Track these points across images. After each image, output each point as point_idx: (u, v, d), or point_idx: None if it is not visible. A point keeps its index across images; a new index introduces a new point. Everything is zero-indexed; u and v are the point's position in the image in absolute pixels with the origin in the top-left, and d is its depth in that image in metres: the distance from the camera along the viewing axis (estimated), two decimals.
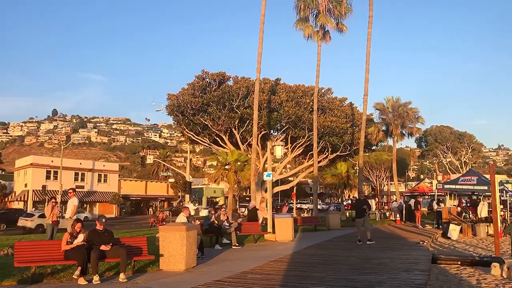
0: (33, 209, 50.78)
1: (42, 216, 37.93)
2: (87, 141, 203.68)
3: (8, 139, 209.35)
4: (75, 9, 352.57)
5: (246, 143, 39.75)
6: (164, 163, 73.19)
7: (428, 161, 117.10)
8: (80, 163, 66.38)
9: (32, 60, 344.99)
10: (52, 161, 60.80)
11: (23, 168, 60.19)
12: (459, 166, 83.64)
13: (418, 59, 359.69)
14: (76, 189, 54.14)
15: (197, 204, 33.52)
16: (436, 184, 34.01)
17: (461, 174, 34.92)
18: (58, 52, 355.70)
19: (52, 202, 14.42)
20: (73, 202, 14.30)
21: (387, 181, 61.55)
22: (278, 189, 46.00)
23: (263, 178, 27.11)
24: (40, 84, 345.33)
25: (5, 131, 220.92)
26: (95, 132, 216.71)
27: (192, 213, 24.08)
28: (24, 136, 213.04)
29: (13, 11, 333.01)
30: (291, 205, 41.29)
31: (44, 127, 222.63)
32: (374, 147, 50.27)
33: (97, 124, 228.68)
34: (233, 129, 38.82)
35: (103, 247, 8.96)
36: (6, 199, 60.35)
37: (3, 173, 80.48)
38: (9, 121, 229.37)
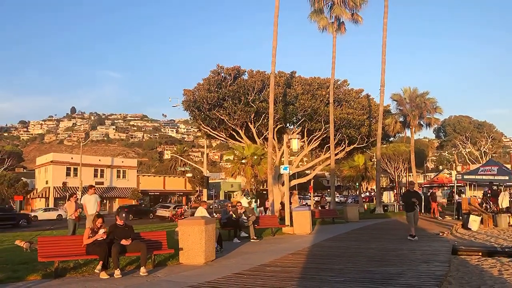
0: (61, 205, 52.26)
1: (177, 207, 44.30)
2: (105, 138, 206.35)
3: (28, 137, 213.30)
4: (92, 7, 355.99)
5: (262, 137, 39.73)
6: (182, 158, 73.72)
7: (447, 152, 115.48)
8: (99, 160, 67.31)
9: (51, 59, 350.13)
10: (71, 158, 61.74)
11: (44, 166, 61.26)
12: (478, 156, 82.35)
13: (436, 47, 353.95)
14: (96, 185, 55.27)
15: (249, 197, 34.35)
16: (456, 175, 33.54)
17: (481, 164, 34.35)
18: (76, 50, 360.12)
19: (74, 197, 14.65)
20: (96, 198, 14.48)
21: (406, 173, 61.03)
22: (295, 182, 45.88)
23: (280, 171, 27.16)
24: (58, 83, 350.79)
25: (26, 129, 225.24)
26: (113, 128, 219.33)
27: (246, 205, 24.50)
28: (44, 134, 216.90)
29: (34, 12, 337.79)
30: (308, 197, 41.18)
31: (63, 125, 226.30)
32: (391, 139, 49.72)
33: (115, 121, 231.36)
34: (249, 123, 38.81)
35: (123, 242, 9.10)
36: (28, 196, 61.55)
37: (24, 170, 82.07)
38: (29, 120, 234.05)
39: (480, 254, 12.36)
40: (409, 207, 14.82)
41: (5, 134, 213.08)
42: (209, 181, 45.57)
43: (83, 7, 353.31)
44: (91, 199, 14.35)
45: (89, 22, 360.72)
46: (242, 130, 39.68)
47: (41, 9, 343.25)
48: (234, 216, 15.43)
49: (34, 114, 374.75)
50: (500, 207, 24.25)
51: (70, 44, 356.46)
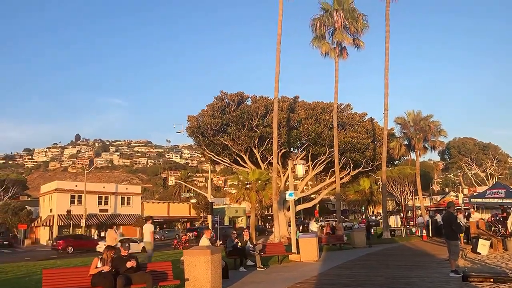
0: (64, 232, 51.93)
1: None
2: (109, 165, 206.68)
3: (33, 165, 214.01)
4: (96, 36, 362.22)
5: (267, 162, 39.71)
6: (186, 184, 73.43)
7: (452, 174, 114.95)
8: (104, 187, 67.21)
9: (56, 87, 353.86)
10: (76, 186, 61.67)
11: (48, 194, 61.17)
12: (484, 178, 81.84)
13: (439, 70, 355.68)
14: (100, 213, 54.74)
15: (319, 222, 34.87)
16: (463, 198, 33.25)
17: (488, 187, 34.09)
18: (81, 79, 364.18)
19: (114, 228, 16.15)
20: (149, 228, 16.17)
21: (412, 196, 60.56)
22: (300, 207, 45.64)
23: (285, 197, 26.99)
24: (63, 110, 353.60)
25: (30, 157, 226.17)
26: (117, 155, 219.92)
27: (315, 230, 24.86)
28: (49, 161, 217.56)
29: (37, 39, 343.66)
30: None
31: (67, 152, 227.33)
32: (396, 162, 49.61)
33: (119, 147, 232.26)
34: (253, 148, 38.88)
35: (129, 264, 9.13)
36: (33, 225, 61.27)
37: (28, 198, 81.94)
38: (34, 147, 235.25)
39: (492, 280, 12.04)
40: (454, 234, 12.61)
41: (10, 162, 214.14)
42: (214, 207, 45.29)
43: (88, 36, 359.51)
44: (146, 229, 16.25)
45: (94, 49, 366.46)
46: (246, 155, 39.71)
47: (47, 39, 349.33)
48: (239, 244, 15.24)
49: (38, 141, 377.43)
50: (509, 230, 23.88)
51: (75, 72, 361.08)
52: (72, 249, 37.18)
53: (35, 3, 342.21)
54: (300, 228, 40.88)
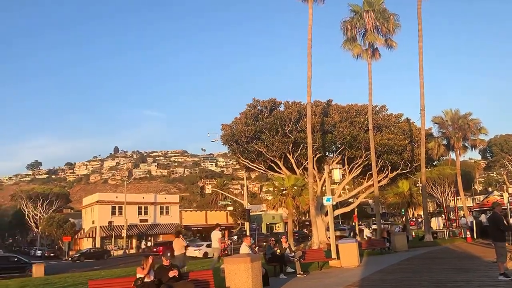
0: (107, 243, 53.15)
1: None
2: (147, 175, 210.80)
3: (74, 178, 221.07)
4: (131, 49, 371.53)
5: (302, 167, 39.47)
6: (222, 192, 73.98)
7: (495, 173, 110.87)
8: (143, 197, 68.51)
9: (94, 102, 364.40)
10: (116, 197, 63.15)
11: (90, 206, 62.93)
12: None
13: (475, 65, 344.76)
14: (140, 223, 55.64)
15: (371, 228, 35.13)
16: (508, 197, 32.02)
17: None
18: (118, 93, 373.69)
19: (181, 236, 16.52)
20: (218, 235, 17.23)
21: (453, 196, 58.84)
22: (338, 212, 45.04)
23: (323, 202, 26.76)
24: (101, 124, 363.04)
25: (72, 171, 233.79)
26: (155, 165, 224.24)
27: (370, 235, 25.43)
28: (89, 174, 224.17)
29: (74, 56, 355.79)
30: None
31: (107, 164, 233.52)
32: (436, 162, 48.32)
33: (156, 158, 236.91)
34: (287, 154, 38.75)
35: (171, 273, 9.26)
36: (76, 236, 63.13)
37: (71, 211, 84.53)
38: (75, 161, 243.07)
39: None
40: (501, 235, 11.79)
41: (53, 176, 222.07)
42: (250, 214, 45.34)
43: (124, 50, 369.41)
44: (214, 235, 17.24)
45: (130, 64, 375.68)
46: (281, 161, 39.61)
47: (84, 55, 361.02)
48: (279, 251, 15.20)
49: (79, 155, 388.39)
50: None
51: (113, 87, 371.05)
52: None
53: (72, 21, 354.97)
54: (351, 233, 40.46)
